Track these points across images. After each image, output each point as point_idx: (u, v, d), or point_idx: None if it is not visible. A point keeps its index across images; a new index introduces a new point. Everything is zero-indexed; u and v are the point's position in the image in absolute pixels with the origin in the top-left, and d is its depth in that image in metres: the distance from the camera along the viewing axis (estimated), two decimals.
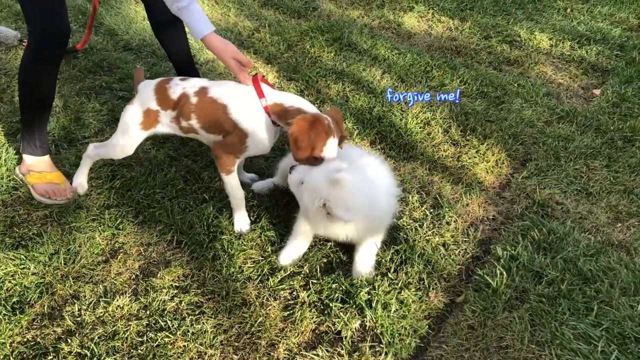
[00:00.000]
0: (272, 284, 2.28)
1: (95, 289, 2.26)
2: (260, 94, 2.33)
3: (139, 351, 2.03)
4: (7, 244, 2.42)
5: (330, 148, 2.22)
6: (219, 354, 2.04)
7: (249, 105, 2.33)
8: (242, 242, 2.45)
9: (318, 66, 3.67)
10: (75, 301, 2.20)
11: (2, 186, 2.71)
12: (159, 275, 2.30)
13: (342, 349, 2.05)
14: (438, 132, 3.11)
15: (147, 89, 2.45)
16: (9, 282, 2.27)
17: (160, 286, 2.26)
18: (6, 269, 2.30)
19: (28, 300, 2.21)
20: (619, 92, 3.49)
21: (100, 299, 2.21)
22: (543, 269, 2.35)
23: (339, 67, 3.66)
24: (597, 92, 3.59)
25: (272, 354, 2.04)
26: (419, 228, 2.53)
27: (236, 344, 2.08)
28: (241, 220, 2.54)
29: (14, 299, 2.20)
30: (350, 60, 3.74)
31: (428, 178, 2.81)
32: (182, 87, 2.40)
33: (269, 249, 2.43)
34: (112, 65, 3.61)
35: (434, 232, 2.53)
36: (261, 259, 2.38)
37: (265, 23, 4.18)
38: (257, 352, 2.05)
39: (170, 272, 2.31)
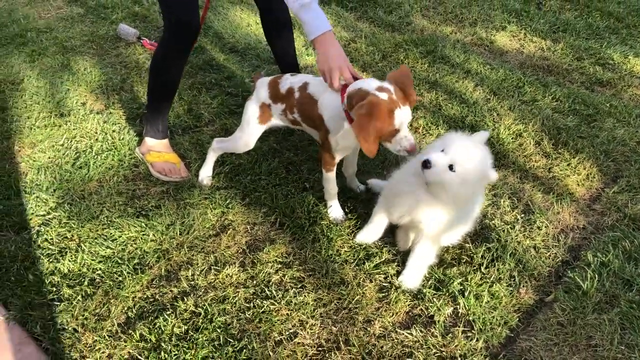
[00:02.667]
0: (367, 267, 2.43)
1: (207, 258, 2.48)
2: (343, 99, 2.31)
3: (247, 315, 2.22)
4: (129, 212, 2.69)
5: (400, 119, 2.17)
6: (319, 324, 2.20)
7: (334, 104, 2.36)
8: (340, 229, 2.62)
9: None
10: (189, 267, 2.43)
11: (125, 163, 3.00)
12: (264, 250, 2.50)
13: (436, 330, 2.17)
14: (530, 143, 3.19)
15: (262, 86, 2.63)
16: (131, 245, 2.53)
17: (265, 260, 2.45)
18: (129, 234, 2.57)
19: (147, 262, 2.45)
20: None
21: (212, 267, 2.43)
22: (634, 277, 2.39)
23: (432, 78, 3.81)
24: None
25: (368, 329, 2.19)
26: (510, 230, 2.63)
27: (335, 317, 2.24)
28: (335, 210, 2.70)
29: (135, 261, 2.45)
30: (443, 72, 3.88)
31: (519, 186, 2.91)
32: (290, 82, 2.56)
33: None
34: (220, 65, 3.91)
35: (525, 234, 2.62)
36: (357, 245, 2.54)
37: (362, 34, 4.39)
38: (354, 326, 2.20)
39: (275, 249, 2.51)
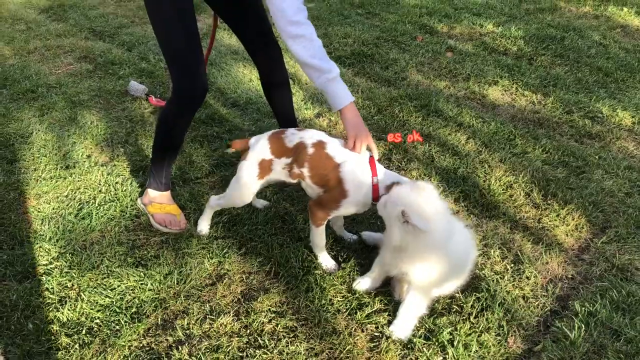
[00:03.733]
0: (359, 317, 2.48)
1: (203, 307, 2.54)
2: (374, 172, 2.48)
3: None
4: (129, 262, 2.77)
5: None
6: None
7: (360, 171, 2.50)
8: (333, 278, 2.68)
9: (406, 129, 3.97)
10: (185, 316, 2.49)
11: (127, 214, 3.10)
12: (258, 299, 2.57)
13: None
14: (520, 194, 3.28)
15: (259, 143, 2.66)
16: (129, 294, 2.60)
17: (259, 309, 2.51)
18: (127, 283, 2.64)
19: (144, 311, 2.52)
20: None
21: (207, 316, 2.49)
22: (621, 327, 2.43)
23: (426, 131, 3.94)
24: None
25: None
26: (500, 280, 2.69)
27: None
28: (326, 261, 2.78)
29: (133, 310, 2.52)
30: (436, 125, 4.01)
31: (509, 236, 2.98)
32: (299, 136, 2.60)
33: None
34: (222, 118, 4.06)
35: (514, 284, 2.68)
36: (349, 295, 2.60)
37: (359, 89, 4.55)
38: None
39: (269, 298, 2.57)
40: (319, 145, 2.57)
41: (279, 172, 2.66)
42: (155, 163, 3.04)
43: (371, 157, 2.56)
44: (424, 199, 2.22)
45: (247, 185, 2.71)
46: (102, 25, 6.03)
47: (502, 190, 3.32)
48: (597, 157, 3.70)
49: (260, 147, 2.65)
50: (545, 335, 2.44)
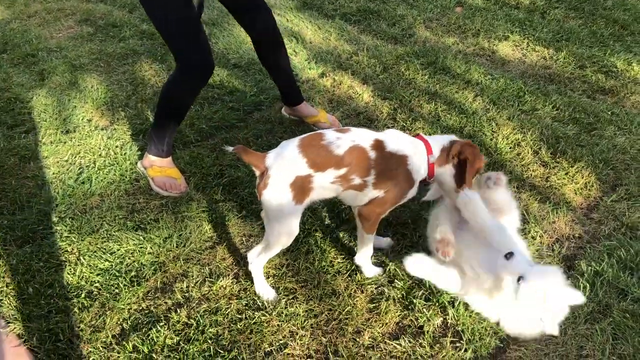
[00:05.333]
0: (359, 278, 2.45)
1: (202, 270, 2.52)
2: (430, 150, 2.28)
3: (238, 326, 2.26)
4: (128, 226, 2.75)
5: None
6: (309, 335, 2.23)
7: (419, 156, 2.27)
8: (333, 240, 2.64)
9: (412, 87, 3.86)
10: (184, 279, 2.48)
11: (127, 177, 3.07)
12: None
13: (424, 340, 2.18)
14: (528, 152, 3.19)
15: (285, 156, 2.14)
16: (129, 258, 2.58)
17: None
18: (127, 247, 2.63)
19: (144, 275, 2.51)
20: None
21: (206, 279, 2.47)
22: (628, 287, 2.38)
23: (432, 89, 3.83)
24: None
25: (357, 340, 2.21)
26: None
27: (325, 328, 2.26)
28: (373, 270, 2.50)
29: (132, 273, 2.51)
30: (443, 83, 3.90)
31: (516, 195, 2.90)
32: (350, 139, 2.17)
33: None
34: (223, 80, 3.98)
35: None
36: (350, 256, 2.56)
37: (364, 47, 4.43)
38: (343, 337, 2.22)
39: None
40: (379, 144, 2.21)
41: (327, 188, 2.21)
42: (156, 131, 2.99)
43: (418, 134, 2.34)
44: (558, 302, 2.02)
45: (286, 218, 2.18)
46: None
47: (510, 148, 3.23)
48: (609, 113, 3.57)
49: (289, 161, 2.14)
50: None
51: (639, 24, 4.81)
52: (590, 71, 4.09)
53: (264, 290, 2.40)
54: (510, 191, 2.48)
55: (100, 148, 3.28)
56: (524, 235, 2.65)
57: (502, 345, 2.19)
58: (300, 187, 2.13)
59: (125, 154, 3.23)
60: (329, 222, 2.78)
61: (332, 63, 4.20)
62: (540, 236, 2.66)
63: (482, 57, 4.38)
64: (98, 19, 5.01)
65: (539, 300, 1.96)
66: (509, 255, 2.03)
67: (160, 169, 3.00)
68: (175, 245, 2.65)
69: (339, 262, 2.54)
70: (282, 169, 2.12)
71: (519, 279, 1.98)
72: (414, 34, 4.70)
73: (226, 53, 4.36)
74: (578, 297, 2.01)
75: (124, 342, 2.19)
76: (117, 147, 3.29)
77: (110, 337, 2.23)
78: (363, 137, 2.20)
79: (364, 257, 2.45)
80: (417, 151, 2.26)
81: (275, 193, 2.12)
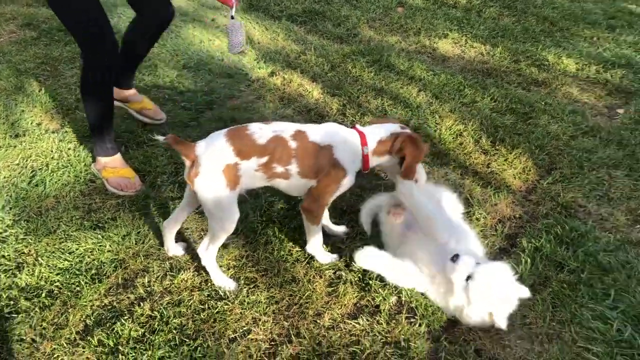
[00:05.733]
0: (317, 264, 2.56)
1: (163, 265, 2.57)
2: (364, 142, 2.37)
3: (202, 316, 2.32)
4: (86, 226, 2.77)
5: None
6: (271, 320, 2.31)
7: (356, 147, 2.37)
8: (291, 230, 2.74)
9: (359, 84, 4.01)
10: (145, 274, 2.52)
11: (81, 178, 3.08)
12: (218, 254, 2.61)
13: (381, 318, 2.31)
14: (470, 142, 3.38)
15: (214, 146, 2.25)
16: (88, 257, 2.60)
17: (219, 264, 2.55)
18: (86, 246, 2.64)
19: (104, 272, 2.53)
20: None
21: (167, 273, 2.52)
22: (565, 260, 2.58)
23: (379, 85, 3.99)
24: (621, 111, 3.82)
25: (318, 321, 2.31)
26: None
27: (286, 312, 2.35)
28: (326, 257, 2.59)
29: (93, 271, 2.53)
30: (388, 80, 4.07)
31: (460, 181, 3.08)
32: (272, 129, 2.29)
33: None
34: (173, 81, 4.02)
35: None
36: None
37: (311, 47, 4.56)
38: (305, 319, 2.32)
39: (228, 253, 2.62)
40: (300, 135, 2.33)
41: (254, 176, 2.31)
42: (94, 133, 3.03)
43: (354, 126, 2.44)
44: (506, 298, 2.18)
45: (223, 204, 2.28)
46: None
47: (452, 138, 3.41)
48: (543, 103, 3.83)
49: (217, 150, 2.24)
50: None
51: (567, 21, 5.14)
52: (524, 65, 4.36)
53: (223, 281, 2.47)
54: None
55: (52, 151, 3.26)
56: (468, 217, 2.83)
57: (453, 319, 2.34)
58: (230, 174, 2.24)
59: (78, 155, 3.23)
60: (286, 213, 2.87)
61: (281, 62, 4.31)
62: (484, 218, 2.84)
63: (424, 54, 4.58)
64: (41, 23, 4.94)
65: (488, 297, 2.14)
66: (455, 258, 2.19)
67: (113, 169, 3.02)
68: (134, 242, 2.68)
69: (297, 251, 2.64)
70: (213, 157, 2.23)
71: (467, 278, 2.16)
72: (359, 34, 4.87)
73: (175, 54, 4.39)
74: (525, 292, 2.20)
75: (89, 337, 2.22)
76: (69, 149, 3.28)
77: (74, 333, 2.25)
78: (284, 128, 2.33)
79: (314, 246, 2.55)
80: (348, 142, 2.36)
81: (208, 180, 2.23)
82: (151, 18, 3.15)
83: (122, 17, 4.98)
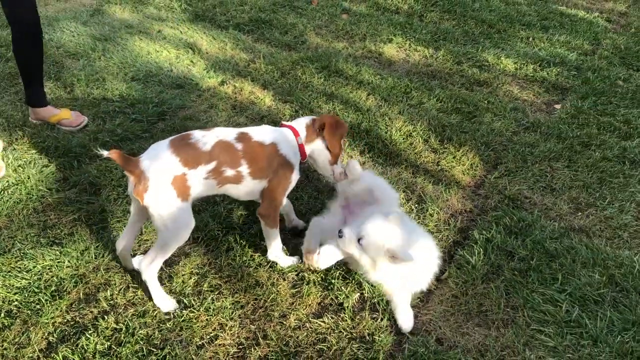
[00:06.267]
0: (280, 268, 2.61)
1: (124, 277, 2.56)
2: (297, 134, 2.53)
3: (168, 325, 2.33)
4: (42, 243, 2.72)
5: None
6: (238, 325, 2.35)
7: (289, 140, 2.51)
8: (251, 236, 2.78)
9: (310, 90, 4.09)
10: (107, 287, 2.50)
11: (33, 196, 3.02)
12: (180, 264, 2.62)
13: (345, 315, 2.38)
14: (419, 142, 3.51)
15: (159, 159, 2.23)
16: (47, 274, 2.56)
17: (181, 273, 2.57)
18: (44, 263, 2.60)
19: (65, 288, 2.50)
20: (577, 106, 3.97)
21: (130, 285, 2.52)
22: (515, 249, 2.72)
23: (329, 90, 4.08)
24: (558, 106, 4.05)
25: (284, 322, 2.36)
26: None
27: (252, 316, 2.39)
28: (288, 261, 2.64)
29: (52, 288, 2.50)
30: (338, 85, 4.17)
31: (412, 180, 3.19)
32: (215, 135, 2.34)
33: None
34: (123, 93, 3.98)
35: (419, 222, 2.89)
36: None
37: (260, 55, 4.61)
38: (271, 322, 2.36)
39: (190, 262, 2.63)
40: (244, 137, 2.40)
41: (204, 184, 2.32)
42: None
43: (282, 122, 2.59)
44: (400, 230, 2.30)
45: (178, 214, 2.26)
46: None
47: (403, 139, 3.53)
48: (486, 102, 4.01)
49: (164, 162, 2.23)
50: (450, 264, 2.67)
51: (503, 23, 5.39)
52: (467, 66, 4.54)
53: (162, 301, 2.41)
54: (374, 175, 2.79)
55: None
56: (422, 214, 2.94)
57: (413, 311, 2.43)
58: (179, 185, 2.23)
59: (29, 172, 3.17)
60: (245, 219, 2.91)
61: (231, 71, 4.34)
62: (437, 213, 2.96)
63: (371, 59, 4.71)
64: None
65: (381, 243, 2.26)
66: (340, 234, 2.33)
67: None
68: (93, 256, 2.66)
69: (259, 256, 2.68)
70: (159, 170, 2.21)
71: (359, 241, 2.28)
72: (306, 41, 4.95)
73: (122, 67, 4.36)
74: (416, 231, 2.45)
75: (53, 354, 2.20)
76: (19, 166, 3.21)
77: (37, 351, 2.22)
78: (227, 132, 2.39)
79: (275, 251, 2.61)
80: (285, 137, 2.52)
81: (158, 194, 2.21)
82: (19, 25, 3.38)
83: (65, 32, 4.90)
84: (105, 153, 2.17)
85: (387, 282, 2.41)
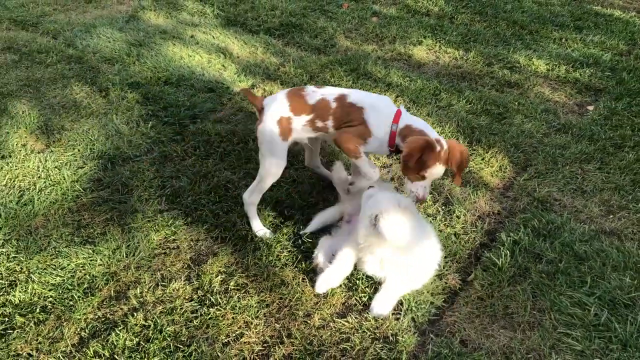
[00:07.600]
0: (305, 267, 2.64)
1: (154, 275, 2.63)
2: (396, 120, 2.60)
3: (195, 323, 2.38)
4: (76, 242, 2.82)
5: (435, 171, 2.53)
6: (263, 323, 2.38)
7: (386, 120, 2.61)
8: (279, 236, 2.81)
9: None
10: (137, 285, 2.57)
11: (69, 196, 3.12)
12: (208, 263, 2.68)
13: (369, 315, 2.39)
14: None
15: (276, 102, 2.69)
16: (80, 271, 2.65)
17: (209, 272, 2.62)
18: (77, 261, 2.69)
19: (97, 286, 2.58)
20: (610, 107, 3.89)
21: (159, 284, 2.58)
22: (542, 251, 2.68)
23: None
24: (591, 108, 3.97)
25: (308, 322, 2.38)
26: (432, 220, 2.89)
27: (277, 315, 2.42)
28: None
29: (85, 285, 2.58)
30: (366, 87, 4.18)
31: (439, 182, 3.18)
32: (320, 93, 2.69)
33: (300, 240, 2.79)
34: (156, 97, 4.08)
35: (445, 224, 2.89)
36: (295, 249, 2.74)
37: (290, 58, 4.66)
38: (295, 321, 2.39)
39: (218, 260, 2.68)
40: (342, 98, 2.67)
41: (302, 130, 2.71)
42: None
43: (399, 110, 2.64)
44: (403, 214, 2.35)
45: (275, 149, 2.68)
46: (23, 14, 5.85)
47: None
48: (516, 103, 3.96)
49: (278, 105, 2.68)
50: (476, 266, 2.66)
51: (536, 24, 5.32)
52: (497, 67, 4.50)
53: (260, 229, 2.84)
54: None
55: (39, 170, 3.31)
56: (449, 215, 2.93)
57: (438, 312, 2.43)
58: (284, 125, 2.66)
59: (65, 174, 3.28)
60: (273, 220, 2.95)
61: (261, 75, 4.40)
62: (464, 215, 2.94)
63: (400, 61, 4.71)
64: (21, 47, 4.98)
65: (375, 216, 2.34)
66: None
67: None
68: (124, 255, 2.74)
69: (285, 256, 2.71)
70: (272, 109, 2.67)
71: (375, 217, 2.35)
72: (336, 44, 4.99)
73: (156, 72, 4.46)
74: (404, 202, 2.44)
75: (85, 349, 2.27)
76: (55, 167, 3.33)
77: (70, 345, 2.30)
78: (331, 92, 2.71)
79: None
80: (379, 109, 2.63)
81: (267, 126, 2.66)
82: None
83: (101, 38, 5.04)
84: (237, 90, 2.87)
85: (386, 268, 2.46)
